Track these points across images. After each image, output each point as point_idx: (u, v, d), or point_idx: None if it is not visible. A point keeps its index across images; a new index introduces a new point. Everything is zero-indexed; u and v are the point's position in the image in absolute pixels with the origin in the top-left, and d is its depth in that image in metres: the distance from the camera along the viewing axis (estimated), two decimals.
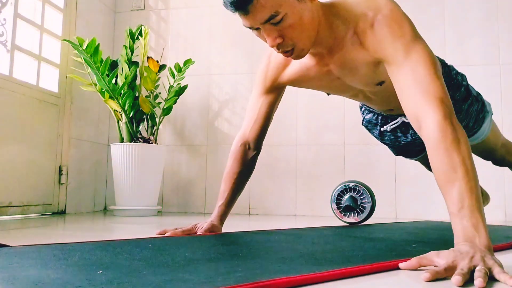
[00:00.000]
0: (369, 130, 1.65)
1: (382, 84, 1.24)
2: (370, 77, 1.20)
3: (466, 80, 1.44)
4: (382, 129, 1.58)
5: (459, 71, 1.46)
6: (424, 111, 0.96)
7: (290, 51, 1.11)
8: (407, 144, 1.56)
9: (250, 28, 1.08)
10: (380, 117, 1.56)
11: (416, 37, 1.07)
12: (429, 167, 1.69)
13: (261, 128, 1.42)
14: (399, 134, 1.54)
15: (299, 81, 1.31)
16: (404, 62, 1.03)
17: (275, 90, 1.39)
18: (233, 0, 1.02)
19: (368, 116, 1.61)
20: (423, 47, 1.05)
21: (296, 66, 1.28)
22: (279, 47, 1.09)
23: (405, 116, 1.47)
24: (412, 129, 1.47)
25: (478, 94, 1.48)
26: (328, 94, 1.40)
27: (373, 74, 1.18)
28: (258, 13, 1.03)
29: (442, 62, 1.40)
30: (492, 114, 1.52)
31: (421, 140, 1.43)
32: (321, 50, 1.18)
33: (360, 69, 1.17)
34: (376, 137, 1.64)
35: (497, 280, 0.72)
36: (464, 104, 1.38)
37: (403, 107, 1.02)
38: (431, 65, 1.01)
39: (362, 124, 1.66)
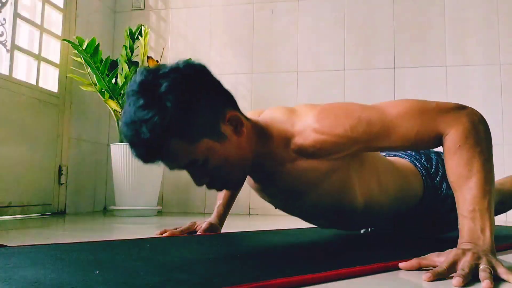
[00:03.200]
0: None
1: (342, 213, 1.09)
2: (324, 200, 1.03)
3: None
4: (362, 231, 1.50)
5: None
6: (443, 127, 0.88)
7: (222, 187, 0.99)
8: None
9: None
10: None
11: (366, 105, 0.95)
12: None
13: None
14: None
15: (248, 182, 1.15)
16: (386, 122, 0.90)
17: None
18: (141, 158, 0.89)
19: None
20: (380, 104, 0.94)
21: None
22: (209, 186, 0.96)
23: (387, 226, 1.39)
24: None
25: None
26: (275, 208, 1.21)
27: (328, 194, 1.02)
28: (174, 162, 0.91)
29: (424, 166, 1.25)
30: None
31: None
32: (263, 177, 1.04)
33: (312, 188, 1.00)
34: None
35: (502, 280, 0.72)
36: (451, 214, 1.13)
37: (424, 146, 0.92)
38: (406, 101, 0.92)
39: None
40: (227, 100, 0.96)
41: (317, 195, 1.01)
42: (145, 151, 0.87)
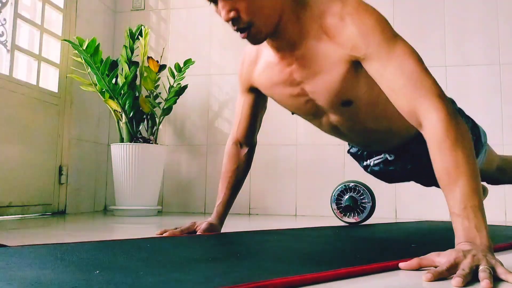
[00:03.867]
0: (355, 160, 1.59)
1: (348, 106, 1.14)
2: (336, 88, 1.08)
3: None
4: (365, 163, 1.52)
5: (454, 105, 1.36)
6: (424, 108, 0.91)
7: (246, 30, 1.03)
8: (395, 172, 1.48)
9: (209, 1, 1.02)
10: (365, 152, 1.51)
11: (395, 33, 1.00)
12: (425, 184, 1.60)
13: (247, 126, 1.38)
14: (383, 166, 1.48)
15: (266, 86, 1.23)
16: (389, 57, 0.96)
17: (253, 91, 1.31)
18: None
19: (353, 150, 1.55)
20: (405, 43, 0.99)
21: (262, 64, 1.21)
22: (234, 23, 1.01)
23: (389, 154, 1.41)
24: (398, 161, 1.41)
25: (473, 127, 1.38)
26: (292, 113, 1.30)
27: (338, 84, 1.07)
28: None
29: None
30: (486, 145, 1.43)
31: (411, 167, 1.39)
32: (284, 44, 1.09)
33: (324, 72, 1.06)
34: (363, 168, 1.57)
35: (501, 280, 0.72)
36: None
37: (397, 106, 0.97)
38: (418, 60, 0.96)
39: (348, 152, 1.60)
40: None
41: (328, 79, 1.07)
42: None
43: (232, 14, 0.99)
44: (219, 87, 2.93)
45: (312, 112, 1.24)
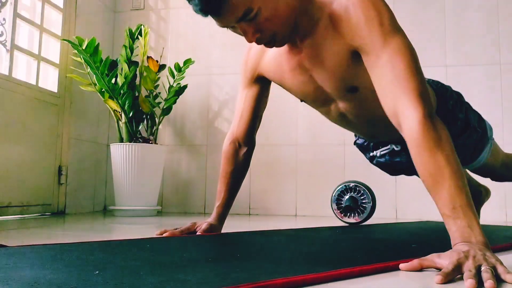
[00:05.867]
0: (361, 151, 1.61)
1: (354, 92, 1.16)
2: (341, 74, 1.11)
3: (465, 109, 1.35)
4: (371, 154, 1.53)
5: (461, 99, 1.37)
6: (403, 109, 0.92)
7: (271, 42, 1.07)
8: (401, 163, 1.48)
9: (224, 27, 1.05)
10: (371, 143, 1.51)
11: (396, 27, 1.00)
12: None
13: (248, 123, 1.37)
14: (389, 157, 1.49)
15: (275, 74, 1.24)
16: (382, 51, 0.97)
17: (258, 82, 1.33)
18: (201, 7, 0.99)
19: (360, 141, 1.56)
20: (402, 39, 0.99)
21: (271, 54, 1.24)
22: (258, 41, 1.05)
23: (395, 144, 1.42)
24: (404, 151, 1.40)
25: (480, 121, 1.39)
26: (301, 101, 1.32)
27: (344, 70, 1.10)
28: (231, 14, 0.99)
29: (440, 91, 1.33)
30: (492, 138, 1.44)
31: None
32: (295, 36, 1.12)
33: (330, 59, 1.09)
34: (368, 160, 1.58)
35: (502, 281, 0.72)
36: (459, 138, 1.28)
37: (381, 102, 0.98)
38: (410, 57, 0.97)
39: (354, 144, 1.61)
40: None
41: (335, 66, 1.09)
42: (206, 0, 0.97)
43: (256, 35, 1.04)
44: (219, 87, 2.93)
45: (320, 99, 1.25)
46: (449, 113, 1.28)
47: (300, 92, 1.25)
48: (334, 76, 1.12)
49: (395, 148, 1.43)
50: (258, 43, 1.06)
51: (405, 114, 0.92)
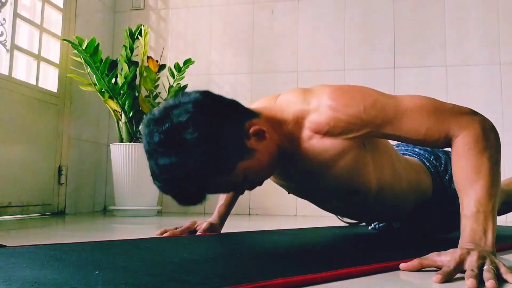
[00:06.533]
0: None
1: (356, 195, 1.08)
2: (341, 179, 1.03)
3: None
4: (369, 227, 1.56)
5: None
6: (455, 129, 0.89)
7: (261, 183, 1.03)
8: (400, 228, 1.45)
9: None
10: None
11: (381, 92, 0.97)
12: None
13: None
14: (388, 227, 1.49)
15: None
16: (400, 111, 0.92)
17: None
18: (183, 204, 0.94)
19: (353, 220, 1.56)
20: (401, 95, 0.96)
21: None
22: (249, 189, 1.01)
23: (394, 222, 1.41)
24: (403, 225, 1.39)
25: None
26: (288, 193, 1.25)
27: (344, 174, 1.01)
28: (218, 192, 1.01)
29: (434, 168, 1.27)
30: None
31: (417, 227, 1.36)
32: (281, 161, 1.03)
33: (326, 169, 1.00)
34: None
35: (504, 281, 0.72)
36: (459, 213, 1.24)
37: (429, 145, 0.94)
38: (424, 96, 0.94)
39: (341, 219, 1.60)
40: (239, 113, 0.96)
41: (332, 175, 1.02)
42: (192, 200, 0.93)
43: (246, 188, 1.00)
44: (219, 87, 2.93)
45: (315, 200, 1.23)
46: (446, 191, 1.24)
47: (291, 191, 1.22)
48: (333, 183, 1.05)
49: (394, 225, 1.44)
50: (249, 190, 1.02)
51: (461, 131, 0.89)
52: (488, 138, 0.89)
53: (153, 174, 0.90)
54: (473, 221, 0.82)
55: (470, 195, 0.84)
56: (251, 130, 0.93)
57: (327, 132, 0.95)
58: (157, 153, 0.86)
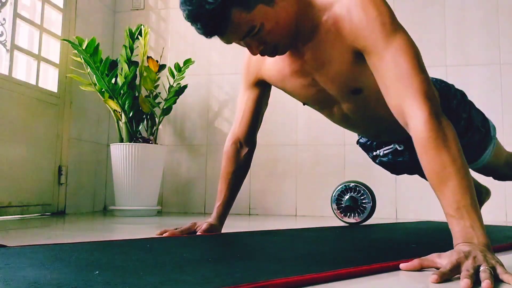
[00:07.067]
0: (364, 150, 1.61)
1: (358, 94, 1.16)
2: (344, 77, 1.11)
3: (468, 108, 1.34)
4: (375, 153, 1.53)
5: (464, 98, 1.36)
6: (409, 108, 0.93)
7: (274, 52, 1.10)
8: (404, 163, 1.48)
9: (229, 44, 1.08)
10: (374, 142, 1.52)
11: (398, 25, 1.01)
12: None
13: (249, 123, 1.39)
14: (392, 157, 1.49)
15: (277, 78, 1.25)
16: (385, 51, 0.97)
17: (259, 86, 1.34)
18: (204, 31, 1.02)
19: (363, 140, 1.56)
20: (404, 37, 0.99)
21: (272, 58, 1.23)
22: (262, 53, 1.08)
23: (398, 144, 1.42)
24: (407, 151, 1.41)
25: (483, 120, 1.37)
26: (304, 104, 1.33)
27: (347, 73, 1.10)
28: (234, 33, 1.03)
29: (443, 90, 1.32)
30: (496, 138, 1.43)
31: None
32: (296, 42, 1.12)
33: (333, 62, 1.09)
34: (371, 159, 1.58)
35: (500, 281, 0.72)
36: (462, 138, 1.19)
37: (387, 101, 0.99)
38: (414, 56, 0.97)
39: (357, 143, 1.61)
40: None
41: (337, 68, 1.09)
42: (210, 23, 0.99)
43: (260, 48, 1.07)
44: (219, 87, 2.93)
45: (323, 102, 1.25)
46: (453, 112, 1.28)
47: (302, 95, 1.25)
48: (337, 78, 1.12)
49: (398, 148, 1.43)
50: (262, 54, 1.09)
51: (411, 113, 0.92)
52: (441, 124, 0.89)
53: (182, 1, 0.99)
54: (458, 219, 0.82)
55: (445, 193, 0.85)
56: None
57: (339, 28, 1.03)
58: None
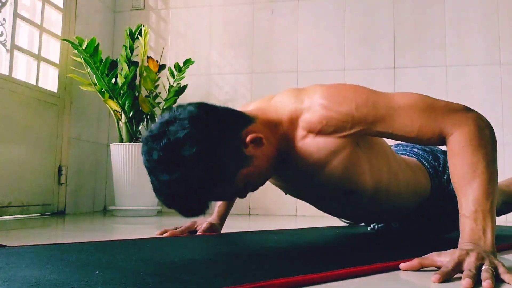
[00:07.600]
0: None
1: (351, 195, 1.08)
2: (335, 178, 1.02)
3: None
4: (368, 228, 1.56)
5: None
6: (450, 127, 0.89)
7: (262, 185, 1.04)
8: (399, 229, 1.46)
9: None
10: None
11: (377, 92, 0.97)
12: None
13: None
14: (387, 227, 1.50)
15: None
16: (392, 109, 0.92)
17: None
18: (187, 216, 0.95)
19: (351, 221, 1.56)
20: (393, 93, 0.96)
21: None
22: (251, 191, 1.02)
23: (394, 223, 1.41)
24: (401, 225, 1.39)
25: None
26: (285, 194, 1.26)
27: (339, 173, 1.01)
28: (222, 199, 1.08)
29: (433, 168, 1.27)
30: None
31: (415, 228, 1.36)
32: (279, 162, 1.03)
33: (322, 164, 1.00)
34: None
35: (502, 281, 0.72)
36: (458, 213, 1.16)
37: (422, 143, 0.94)
38: (417, 94, 0.94)
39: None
40: (235, 122, 0.95)
41: (326, 174, 1.01)
42: (196, 212, 0.92)
43: (248, 192, 1.00)
44: (219, 87, 2.93)
45: (312, 201, 1.24)
46: (444, 191, 1.24)
47: (288, 190, 1.22)
48: (328, 182, 1.04)
49: (393, 225, 1.44)
50: (252, 191, 1.03)
51: (455, 129, 0.89)
52: (483, 135, 0.88)
53: (155, 189, 0.90)
54: (472, 221, 0.82)
55: (467, 195, 0.84)
56: (248, 138, 0.93)
57: (320, 130, 0.96)
58: (157, 170, 0.86)
